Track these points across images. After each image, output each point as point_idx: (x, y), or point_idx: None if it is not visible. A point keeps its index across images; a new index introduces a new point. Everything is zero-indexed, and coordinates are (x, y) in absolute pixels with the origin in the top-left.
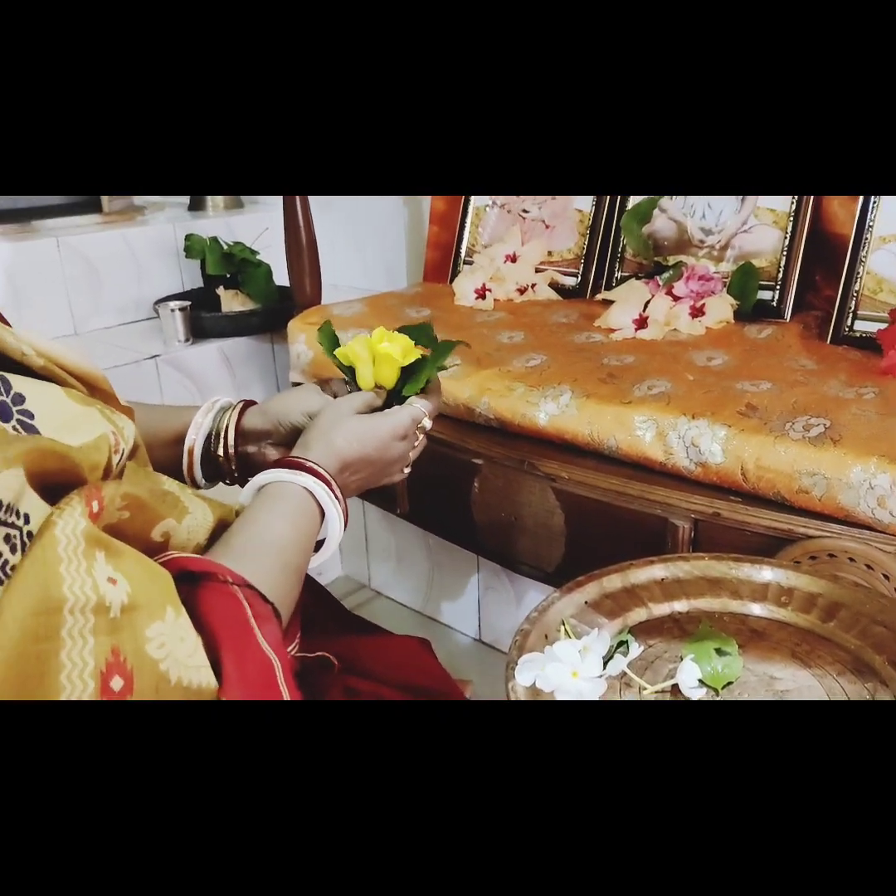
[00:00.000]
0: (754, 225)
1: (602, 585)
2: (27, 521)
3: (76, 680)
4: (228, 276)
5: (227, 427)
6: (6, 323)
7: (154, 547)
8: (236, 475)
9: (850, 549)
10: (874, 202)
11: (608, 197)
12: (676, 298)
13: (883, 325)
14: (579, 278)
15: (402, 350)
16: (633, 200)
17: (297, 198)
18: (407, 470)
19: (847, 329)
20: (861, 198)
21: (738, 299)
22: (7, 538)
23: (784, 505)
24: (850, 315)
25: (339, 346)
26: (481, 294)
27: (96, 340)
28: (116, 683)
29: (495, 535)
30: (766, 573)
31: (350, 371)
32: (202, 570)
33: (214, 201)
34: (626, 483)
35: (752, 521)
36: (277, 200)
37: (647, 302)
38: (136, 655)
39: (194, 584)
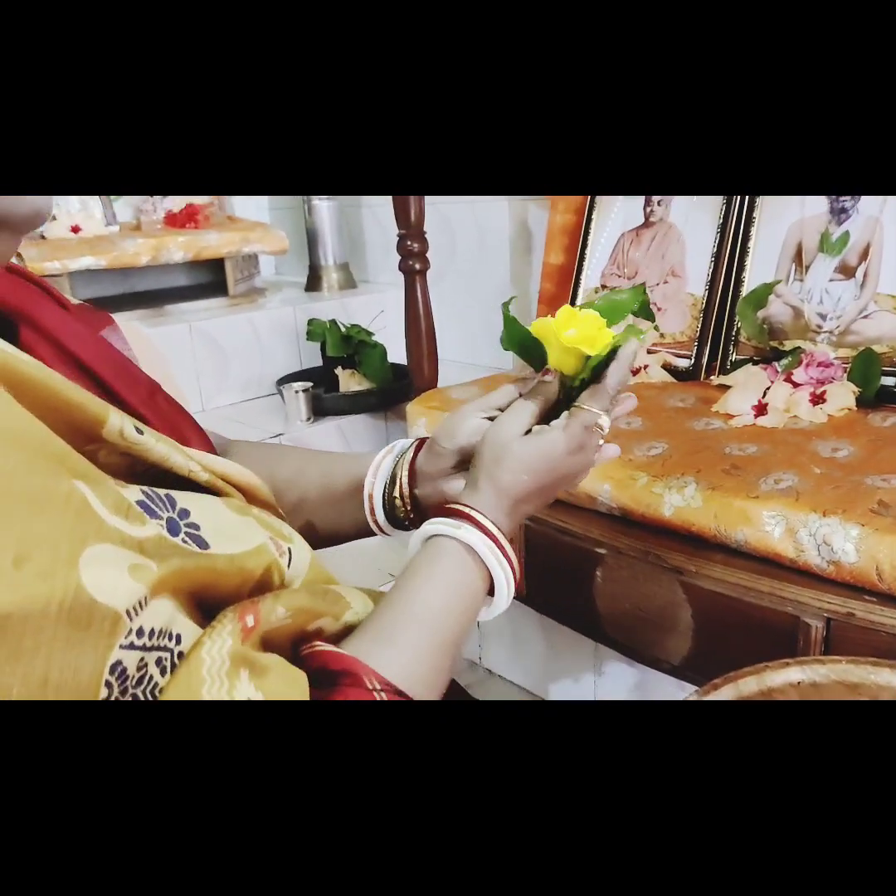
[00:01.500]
0: (874, 311)
1: (738, 688)
2: (179, 641)
3: None
4: (346, 356)
5: (402, 473)
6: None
7: (305, 635)
8: (415, 520)
9: None
10: None
11: (721, 284)
12: (796, 385)
13: None
14: (692, 360)
15: (590, 339)
16: (748, 286)
17: (418, 284)
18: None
19: None
20: None
21: (859, 386)
22: (158, 661)
23: None
24: None
25: (525, 335)
26: None
27: (224, 418)
28: None
29: (618, 625)
30: None
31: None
32: (343, 669)
33: (329, 282)
34: (756, 579)
35: (888, 622)
36: (389, 279)
37: (767, 389)
38: None
39: (332, 687)
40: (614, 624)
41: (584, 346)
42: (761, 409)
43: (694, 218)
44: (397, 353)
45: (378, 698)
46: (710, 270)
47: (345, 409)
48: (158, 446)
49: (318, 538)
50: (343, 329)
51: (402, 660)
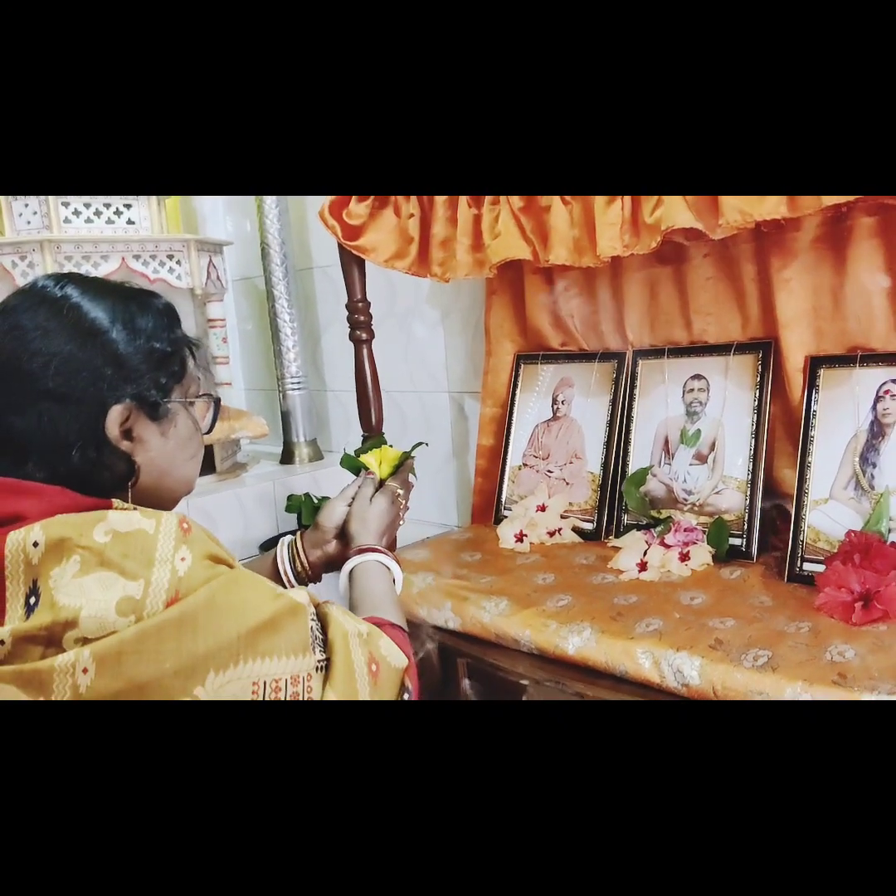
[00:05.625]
0: (723, 488)
1: None
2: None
3: (360, 667)
4: None
5: (298, 550)
6: None
7: None
8: (312, 575)
9: None
10: (808, 475)
11: (612, 465)
12: (668, 546)
13: (823, 568)
14: (595, 524)
15: (396, 456)
16: (632, 468)
17: None
18: (403, 519)
19: (798, 569)
20: (798, 468)
21: (714, 547)
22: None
23: None
24: (800, 559)
25: (356, 462)
26: (520, 538)
27: None
28: (373, 667)
29: None
30: None
31: (361, 470)
32: (378, 622)
33: (300, 456)
34: (634, 699)
35: None
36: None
37: (647, 550)
38: (379, 656)
39: (381, 627)
40: None
41: (396, 461)
42: (643, 566)
43: (589, 416)
44: None
45: (395, 632)
46: (603, 455)
47: None
48: None
49: None
50: (315, 501)
51: (393, 615)
